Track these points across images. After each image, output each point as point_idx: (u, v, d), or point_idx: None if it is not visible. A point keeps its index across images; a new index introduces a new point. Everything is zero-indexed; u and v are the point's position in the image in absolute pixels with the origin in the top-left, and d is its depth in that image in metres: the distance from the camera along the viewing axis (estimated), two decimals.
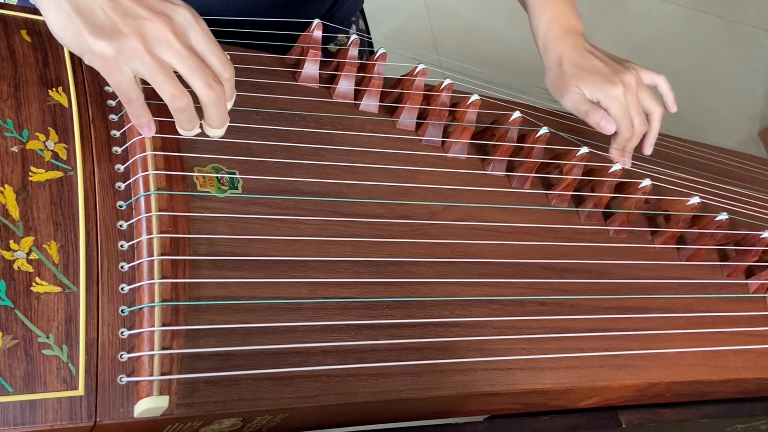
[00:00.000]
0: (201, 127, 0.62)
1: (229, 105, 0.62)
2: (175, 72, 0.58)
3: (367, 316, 0.67)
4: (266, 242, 0.66)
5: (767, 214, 1.00)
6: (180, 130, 0.62)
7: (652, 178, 0.88)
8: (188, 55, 0.58)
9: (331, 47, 0.99)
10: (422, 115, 0.83)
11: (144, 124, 0.61)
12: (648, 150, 0.93)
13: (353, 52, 0.80)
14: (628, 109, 0.88)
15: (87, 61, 0.58)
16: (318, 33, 0.79)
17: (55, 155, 0.61)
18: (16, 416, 0.53)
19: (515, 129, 0.84)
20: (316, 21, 0.79)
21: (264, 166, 0.70)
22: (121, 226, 0.61)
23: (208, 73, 0.58)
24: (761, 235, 0.91)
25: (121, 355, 0.57)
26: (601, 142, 0.94)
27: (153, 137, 0.63)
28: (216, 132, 0.62)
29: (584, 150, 0.85)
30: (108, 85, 0.66)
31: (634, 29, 2.56)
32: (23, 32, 0.65)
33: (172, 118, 0.65)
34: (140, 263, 0.59)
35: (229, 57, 0.61)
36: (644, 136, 0.92)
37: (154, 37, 0.57)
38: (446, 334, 0.70)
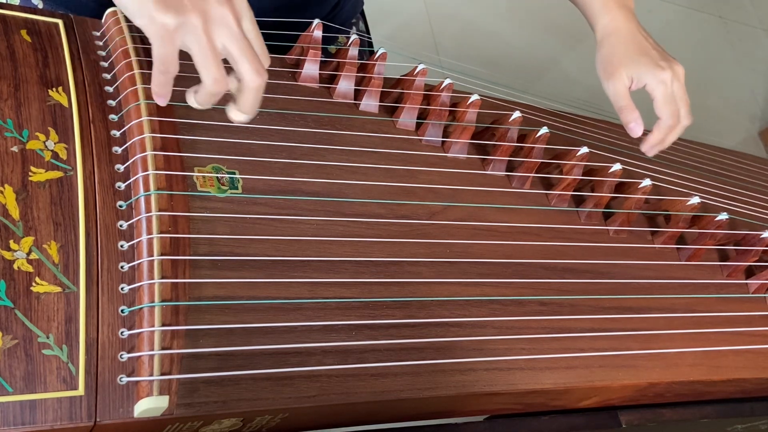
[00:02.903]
0: (228, 111, 0.62)
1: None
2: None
3: (367, 316, 0.67)
4: (266, 242, 0.66)
5: (767, 214, 1.00)
6: (192, 102, 0.62)
7: (652, 178, 0.88)
8: (243, 39, 0.58)
9: (332, 49, 0.99)
10: (422, 115, 0.83)
11: (163, 95, 0.61)
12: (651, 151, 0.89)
13: (353, 52, 0.80)
14: (673, 96, 0.85)
15: (141, 25, 0.57)
16: (318, 33, 0.79)
17: (55, 155, 0.61)
18: (16, 416, 0.53)
19: (515, 129, 0.84)
20: (316, 21, 0.79)
21: (264, 166, 0.70)
22: (121, 226, 0.61)
23: (257, 59, 0.59)
24: (761, 235, 0.91)
25: (121, 355, 0.57)
26: (601, 142, 0.94)
27: (153, 137, 0.63)
28: (244, 117, 0.62)
29: (584, 150, 0.85)
30: (108, 85, 0.66)
31: None
32: (23, 32, 0.65)
33: (174, 118, 0.65)
34: (140, 263, 0.59)
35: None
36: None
37: (215, 17, 0.57)
38: (446, 334, 0.70)
